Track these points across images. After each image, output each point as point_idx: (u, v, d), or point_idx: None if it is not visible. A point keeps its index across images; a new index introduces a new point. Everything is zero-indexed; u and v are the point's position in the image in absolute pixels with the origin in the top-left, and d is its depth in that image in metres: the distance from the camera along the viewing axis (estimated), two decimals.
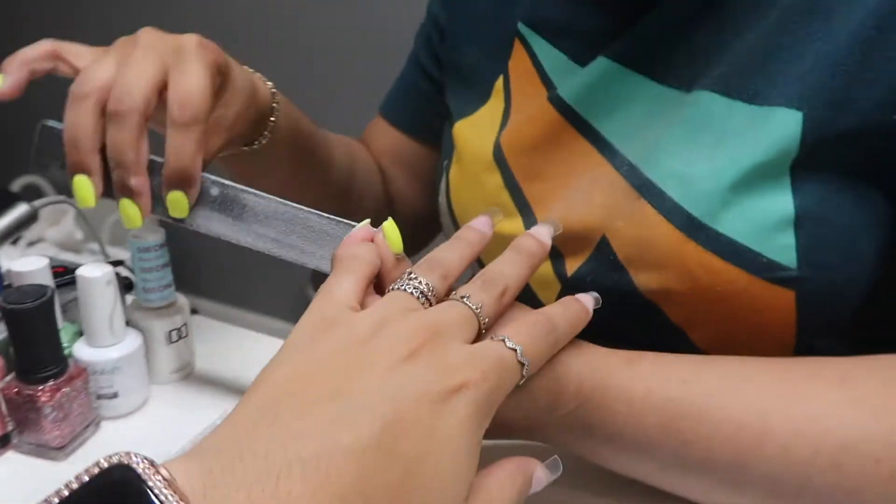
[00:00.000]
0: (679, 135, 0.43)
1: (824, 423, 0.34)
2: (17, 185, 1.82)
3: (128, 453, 0.24)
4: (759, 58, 0.41)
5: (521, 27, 0.53)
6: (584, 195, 0.47)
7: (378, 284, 0.37)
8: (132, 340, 0.51)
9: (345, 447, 0.26)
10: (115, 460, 0.24)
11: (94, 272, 0.48)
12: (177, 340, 0.55)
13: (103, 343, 0.50)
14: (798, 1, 0.41)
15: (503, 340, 0.32)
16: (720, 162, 0.41)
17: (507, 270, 0.37)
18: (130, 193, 0.42)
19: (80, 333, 0.52)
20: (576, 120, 0.49)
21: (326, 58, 1.65)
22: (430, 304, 0.34)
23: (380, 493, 0.26)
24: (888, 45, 0.38)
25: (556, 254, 0.49)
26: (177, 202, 0.43)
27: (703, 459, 0.35)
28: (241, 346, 0.62)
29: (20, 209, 0.76)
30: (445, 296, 0.36)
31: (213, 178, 0.44)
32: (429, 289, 0.34)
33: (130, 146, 0.41)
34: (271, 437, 0.26)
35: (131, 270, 0.57)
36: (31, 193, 1.82)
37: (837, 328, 0.42)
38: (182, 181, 0.42)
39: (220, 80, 0.45)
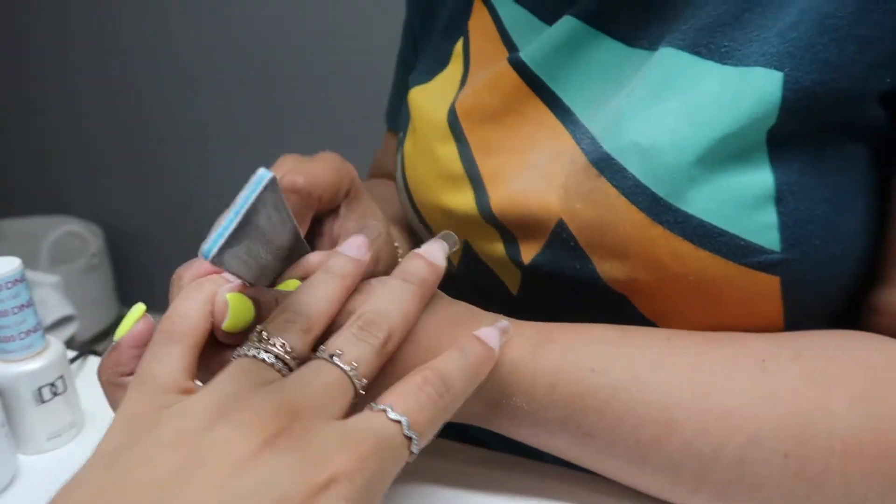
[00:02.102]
0: (641, 101, 0.37)
1: (734, 421, 0.32)
2: None
3: None
4: (733, 12, 0.36)
5: None
6: (543, 173, 0.41)
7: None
8: None
9: None
10: None
11: None
12: (51, 398, 0.43)
13: None
14: None
15: (385, 410, 0.26)
16: (685, 131, 0.35)
17: (391, 309, 0.30)
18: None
19: None
20: (538, 86, 0.43)
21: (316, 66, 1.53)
22: (291, 370, 0.27)
23: None
24: None
25: (510, 238, 0.43)
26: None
27: (603, 451, 0.34)
28: None
29: None
30: (312, 352, 0.28)
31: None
32: (286, 351, 0.27)
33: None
34: None
35: None
36: None
37: (827, 315, 0.38)
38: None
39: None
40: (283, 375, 0.27)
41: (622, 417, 0.33)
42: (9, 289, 0.41)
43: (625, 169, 0.36)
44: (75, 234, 1.74)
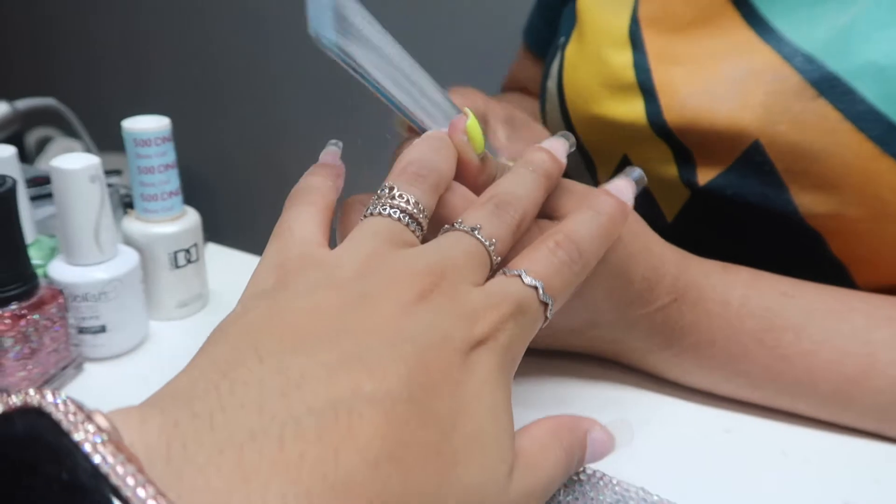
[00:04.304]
0: (882, 17, 0.33)
1: None
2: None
3: (39, 389, 0.15)
4: None
5: None
6: (737, 89, 0.37)
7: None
8: (126, 259, 0.39)
9: (367, 395, 0.20)
10: (15, 401, 0.14)
11: (73, 163, 0.36)
12: (184, 265, 0.43)
13: (86, 260, 0.38)
14: None
15: (519, 276, 0.26)
16: None
17: (522, 193, 0.29)
18: None
19: (57, 251, 0.40)
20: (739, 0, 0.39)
21: None
22: (422, 227, 0.27)
23: (416, 460, 0.19)
24: None
25: (685, 155, 0.40)
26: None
27: (803, 380, 0.32)
28: None
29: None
30: (443, 219, 0.28)
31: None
32: (416, 208, 0.27)
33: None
34: (262, 380, 0.19)
35: None
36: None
37: None
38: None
39: None
40: (415, 234, 0.26)
41: (821, 344, 0.32)
42: (158, 145, 0.40)
43: (854, 91, 0.33)
44: None
